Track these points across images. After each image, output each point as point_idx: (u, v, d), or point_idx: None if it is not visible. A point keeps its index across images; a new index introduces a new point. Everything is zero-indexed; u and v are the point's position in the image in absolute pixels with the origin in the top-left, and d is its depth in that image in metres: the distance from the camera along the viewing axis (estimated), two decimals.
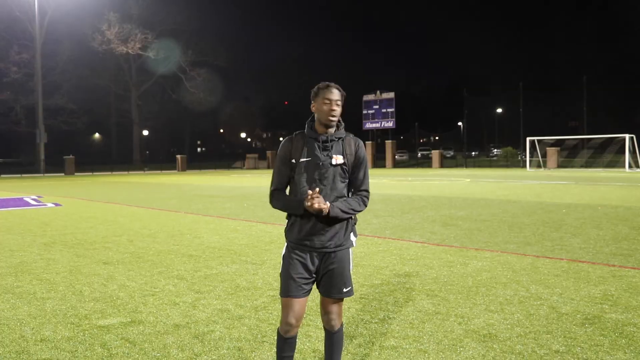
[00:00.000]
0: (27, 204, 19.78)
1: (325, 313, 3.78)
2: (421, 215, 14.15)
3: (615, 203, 16.51)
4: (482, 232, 11.06)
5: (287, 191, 3.81)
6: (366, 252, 9.09)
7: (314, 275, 3.69)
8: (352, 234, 3.77)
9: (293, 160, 3.67)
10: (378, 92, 67.93)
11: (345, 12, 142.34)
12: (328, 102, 3.61)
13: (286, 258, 3.72)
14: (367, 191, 3.76)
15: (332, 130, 3.68)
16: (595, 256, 8.40)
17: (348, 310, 5.77)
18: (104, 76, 76.41)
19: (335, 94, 3.63)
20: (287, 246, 3.76)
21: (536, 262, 8.05)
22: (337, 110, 3.63)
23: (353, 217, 3.76)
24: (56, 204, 19.36)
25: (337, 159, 3.63)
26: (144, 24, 67.51)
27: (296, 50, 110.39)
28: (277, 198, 3.74)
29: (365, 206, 3.72)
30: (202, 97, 73.95)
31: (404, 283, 6.92)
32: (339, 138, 3.69)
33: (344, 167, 3.65)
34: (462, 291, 6.47)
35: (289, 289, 3.64)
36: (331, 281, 3.67)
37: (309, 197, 3.44)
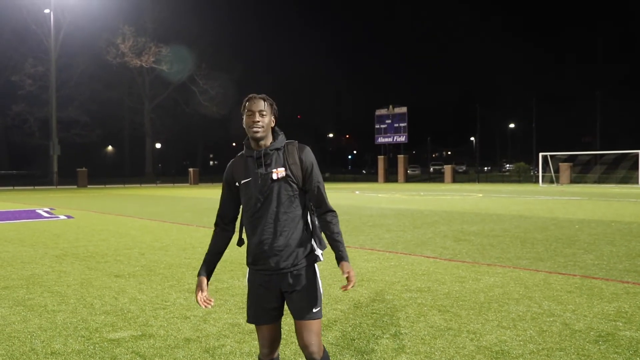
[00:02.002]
0: (40, 216, 19.87)
1: (300, 338, 3.47)
2: (433, 230, 14.10)
3: (628, 219, 16.40)
4: (494, 247, 11.00)
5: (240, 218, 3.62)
6: (378, 267, 9.06)
7: (281, 298, 3.49)
8: (316, 248, 3.52)
9: (237, 184, 3.47)
10: (391, 106, 67.91)
11: (358, 26, 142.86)
12: (250, 113, 3.39)
13: (249, 283, 3.57)
14: (332, 211, 3.49)
15: (266, 142, 3.44)
16: (608, 273, 8.33)
17: (359, 325, 5.75)
18: (118, 89, 76.75)
19: (259, 104, 3.40)
20: (248, 270, 3.61)
21: (549, 278, 7.99)
22: (262, 121, 3.38)
23: (313, 231, 3.52)
24: (68, 217, 19.45)
25: (278, 172, 3.37)
26: (158, 37, 67.88)
27: (308, 63, 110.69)
28: (212, 240, 3.70)
29: (334, 214, 3.50)
30: (215, 110, 74.14)
31: (415, 298, 6.89)
32: (277, 149, 3.45)
33: (289, 179, 3.38)
34: (474, 307, 6.43)
35: (255, 316, 3.51)
36: (298, 303, 3.44)
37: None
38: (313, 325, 3.45)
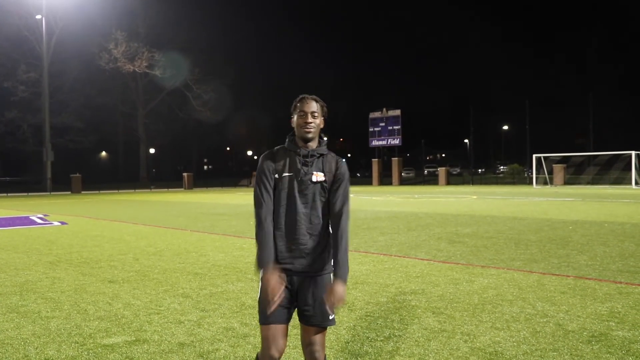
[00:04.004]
0: (33, 223, 19.82)
1: (307, 345, 3.49)
2: (427, 232, 14.12)
3: (621, 220, 16.45)
4: (488, 249, 11.02)
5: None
6: (372, 269, 9.07)
7: (295, 301, 3.48)
8: (332, 258, 3.51)
9: (276, 175, 3.45)
10: (384, 109, 67.88)
11: (351, 30, 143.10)
12: (303, 114, 3.45)
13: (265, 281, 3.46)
14: (344, 213, 3.44)
15: (313, 145, 3.51)
16: (601, 273, 8.36)
17: (353, 328, 5.75)
18: (111, 95, 76.72)
19: (312, 106, 3.46)
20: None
21: (542, 279, 8.02)
22: (314, 122, 3.46)
23: (330, 242, 3.51)
24: (62, 223, 19.39)
25: (318, 176, 3.44)
26: (151, 42, 67.89)
27: (301, 67, 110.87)
28: (261, 230, 3.41)
29: (347, 230, 3.44)
30: (209, 115, 74.15)
31: (409, 301, 6.90)
32: (321, 155, 3.51)
33: (324, 184, 3.46)
34: (468, 309, 6.44)
35: (269, 314, 3.40)
36: (315, 309, 3.43)
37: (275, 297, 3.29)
38: (325, 331, 3.51)
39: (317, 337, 3.48)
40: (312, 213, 3.44)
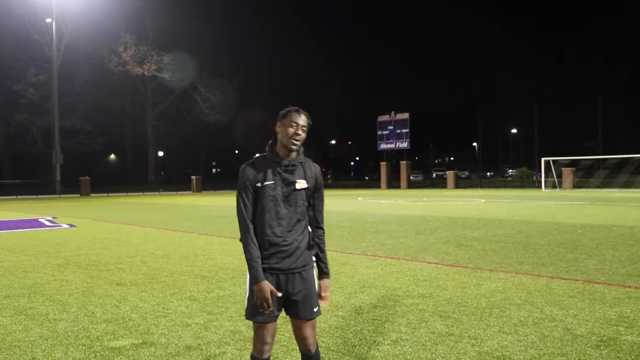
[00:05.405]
0: (42, 225, 19.88)
1: (301, 338, 3.74)
2: (435, 236, 14.09)
3: (631, 224, 16.37)
4: (496, 252, 10.99)
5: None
6: (380, 273, 9.05)
7: (283, 298, 3.66)
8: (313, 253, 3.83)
9: (258, 184, 3.64)
10: (392, 112, 67.84)
11: (359, 32, 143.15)
12: (294, 125, 3.63)
13: (252, 282, 3.64)
14: (323, 229, 3.86)
15: (293, 154, 3.70)
16: (610, 277, 8.31)
17: (360, 331, 5.74)
18: (120, 97, 76.79)
19: (303, 120, 3.67)
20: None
21: (551, 283, 7.98)
22: (302, 135, 3.66)
23: (311, 238, 3.80)
24: (71, 225, 19.45)
25: (301, 184, 3.67)
26: (159, 45, 68.02)
27: (309, 70, 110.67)
28: (250, 242, 3.58)
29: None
30: (217, 117, 74.23)
31: (417, 304, 6.88)
32: (301, 162, 3.73)
33: (307, 191, 3.71)
34: (475, 312, 6.42)
35: (258, 314, 3.61)
36: (302, 303, 3.67)
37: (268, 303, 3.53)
38: (314, 322, 3.73)
39: (309, 330, 3.72)
40: (295, 216, 3.67)
